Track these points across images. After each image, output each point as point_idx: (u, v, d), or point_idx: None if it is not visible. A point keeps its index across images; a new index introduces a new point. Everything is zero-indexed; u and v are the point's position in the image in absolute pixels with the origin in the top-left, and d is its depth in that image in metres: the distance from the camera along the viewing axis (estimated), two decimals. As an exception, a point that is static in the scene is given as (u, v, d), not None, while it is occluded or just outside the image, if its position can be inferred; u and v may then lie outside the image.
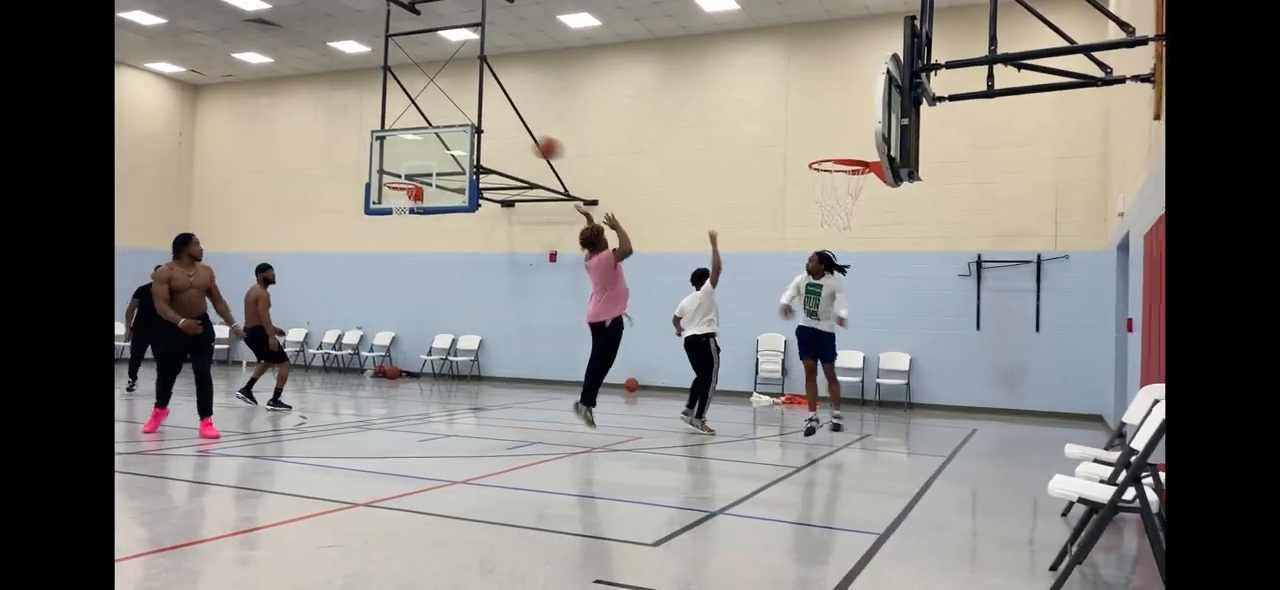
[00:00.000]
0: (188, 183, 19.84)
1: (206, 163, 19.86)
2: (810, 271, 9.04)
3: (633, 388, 15.19)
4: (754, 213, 14.84)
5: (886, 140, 6.20)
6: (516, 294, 16.41)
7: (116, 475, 5.89)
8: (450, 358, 16.68)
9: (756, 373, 14.55)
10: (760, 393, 14.20)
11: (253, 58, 17.61)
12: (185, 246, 7.75)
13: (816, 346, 8.90)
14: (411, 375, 16.94)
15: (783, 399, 13.85)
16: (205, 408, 7.67)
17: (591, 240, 8.81)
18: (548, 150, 11.85)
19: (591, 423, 8.70)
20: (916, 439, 10.25)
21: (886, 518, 5.31)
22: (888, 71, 6.29)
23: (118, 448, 6.96)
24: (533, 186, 14.94)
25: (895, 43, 6.94)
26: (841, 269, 9.20)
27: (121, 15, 15.30)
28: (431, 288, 16.99)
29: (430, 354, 16.94)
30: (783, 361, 14.36)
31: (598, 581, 3.84)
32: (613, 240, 8.73)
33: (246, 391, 10.64)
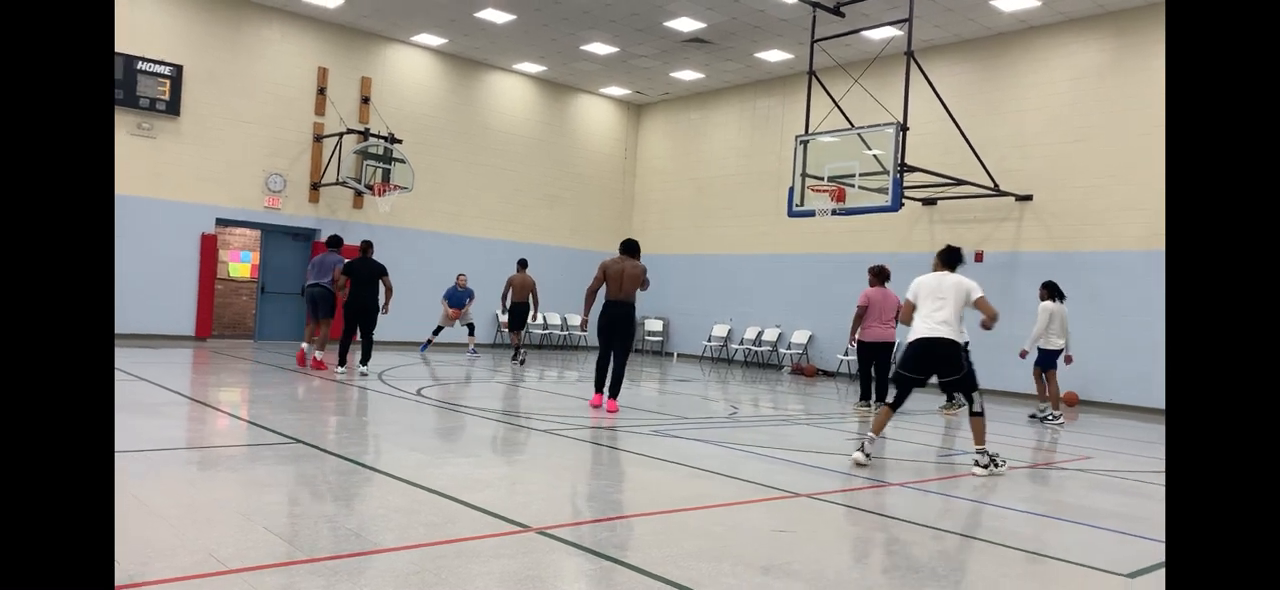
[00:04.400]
0: (630, 192, 22.19)
1: (646, 174, 22.03)
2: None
3: (1073, 402, 13.73)
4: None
5: None
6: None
7: (591, 446, 6.78)
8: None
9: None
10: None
11: (686, 75, 19.15)
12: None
13: None
14: (827, 374, 17.13)
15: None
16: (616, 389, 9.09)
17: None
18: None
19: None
20: None
21: None
22: None
23: (554, 424, 7.99)
24: (959, 182, 14.22)
25: None
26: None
27: (583, 48, 17.60)
28: (849, 288, 16.98)
29: (847, 354, 16.96)
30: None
31: (1067, 606, 3.53)
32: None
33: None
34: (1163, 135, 13.21)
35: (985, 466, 6.50)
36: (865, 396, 10.90)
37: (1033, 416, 10.89)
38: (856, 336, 10.76)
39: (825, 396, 12.95)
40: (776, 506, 5.06)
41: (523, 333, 15.45)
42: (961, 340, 6.66)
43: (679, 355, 20.20)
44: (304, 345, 12.35)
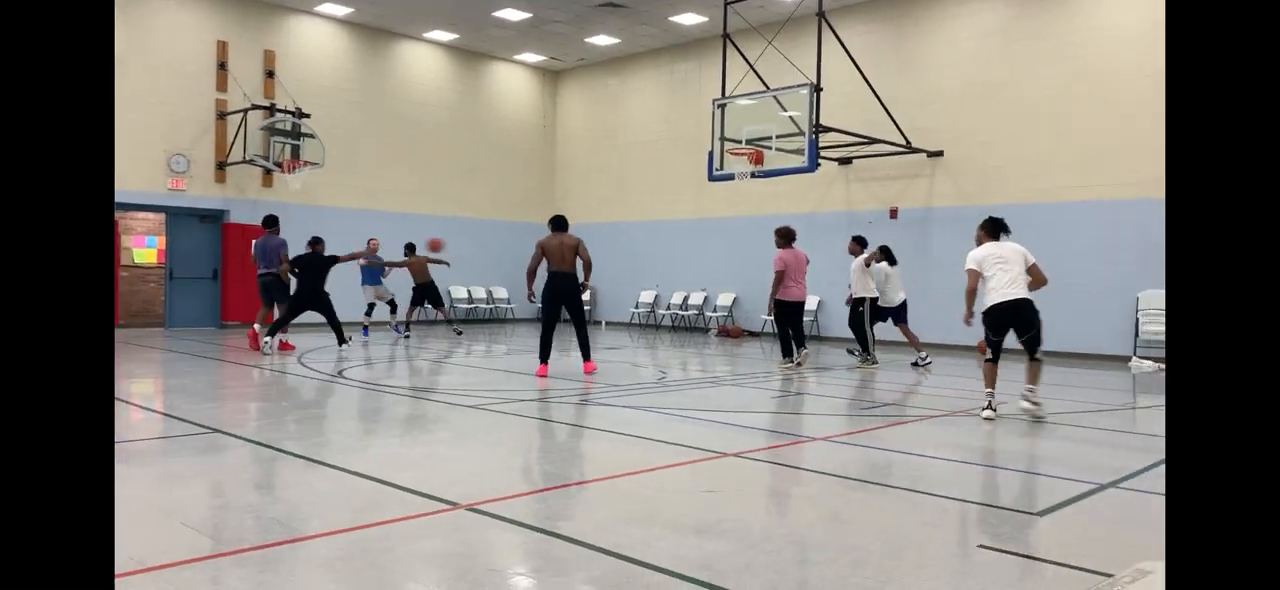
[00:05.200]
0: (551, 161, 22.00)
1: (566, 142, 21.86)
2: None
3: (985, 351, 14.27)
4: (1128, 155, 13.13)
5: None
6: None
7: (518, 419, 6.77)
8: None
9: (1136, 334, 12.96)
10: (1141, 357, 12.65)
11: (602, 40, 19.01)
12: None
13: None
14: (752, 335, 17.42)
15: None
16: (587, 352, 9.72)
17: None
18: (434, 247, 14.01)
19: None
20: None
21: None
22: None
23: (480, 397, 7.97)
24: (872, 141, 14.54)
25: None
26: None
27: (495, 14, 17.29)
28: (769, 249, 17.23)
29: (769, 315, 17.28)
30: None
31: (982, 546, 3.70)
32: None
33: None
34: (1065, 90, 13.68)
35: (1036, 404, 7.19)
36: (787, 353, 11.19)
37: (914, 364, 11.52)
38: (776, 297, 11.04)
39: (751, 357, 13.18)
40: (704, 467, 5.15)
41: (448, 308, 15.28)
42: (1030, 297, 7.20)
43: (607, 323, 20.25)
44: (256, 326, 12.37)
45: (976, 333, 7.76)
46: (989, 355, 7.36)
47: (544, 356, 9.63)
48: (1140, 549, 3.72)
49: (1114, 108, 13.31)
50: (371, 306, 15.30)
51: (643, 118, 20.07)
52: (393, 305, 15.55)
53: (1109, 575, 3.11)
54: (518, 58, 20.70)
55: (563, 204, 21.78)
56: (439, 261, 14.96)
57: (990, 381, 7.36)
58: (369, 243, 15.05)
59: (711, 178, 14.26)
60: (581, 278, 9.73)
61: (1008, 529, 4.01)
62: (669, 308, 19.24)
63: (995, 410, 7.23)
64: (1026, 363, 7.33)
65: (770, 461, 5.42)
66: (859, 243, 12.06)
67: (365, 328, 15.32)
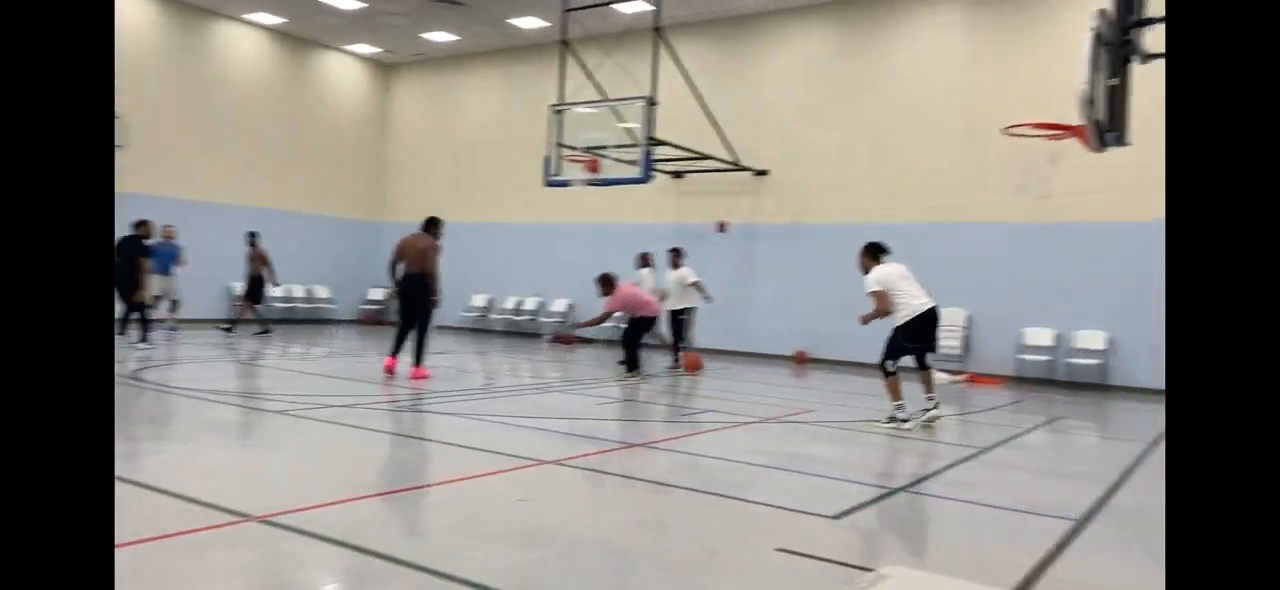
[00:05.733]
0: (382, 158, 21.26)
1: (399, 138, 21.20)
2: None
3: (802, 360, 15.02)
4: (935, 181, 14.21)
5: (1092, 102, 5.77)
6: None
7: (331, 426, 6.48)
8: (620, 325, 17.07)
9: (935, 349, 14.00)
10: (939, 369, 13.67)
11: (440, 36, 18.58)
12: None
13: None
14: (586, 342, 17.50)
15: (963, 377, 13.27)
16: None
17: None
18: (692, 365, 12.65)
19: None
20: (1113, 423, 9.58)
21: (1082, 504, 5.02)
22: (1095, 29, 5.84)
23: (330, 400, 7.63)
24: (703, 157, 14.98)
25: (1098, -3, 6.42)
26: None
27: (323, 0, 16.54)
28: (604, 257, 17.38)
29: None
30: (965, 336, 13.73)
31: (779, 549, 3.87)
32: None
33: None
34: (881, 119, 14.57)
35: (937, 406, 7.74)
36: (633, 367, 11.30)
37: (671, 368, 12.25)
38: (638, 313, 11.34)
39: (583, 364, 13.23)
40: (523, 476, 5.12)
41: (259, 306, 14.52)
42: None
43: (435, 327, 19.74)
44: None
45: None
46: (893, 370, 7.66)
47: (392, 351, 9.66)
48: (916, 549, 4.01)
49: (923, 137, 14.36)
50: (158, 299, 14.09)
51: (480, 118, 19.78)
52: (175, 303, 14.44)
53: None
54: (349, 48, 19.89)
55: (395, 201, 21.10)
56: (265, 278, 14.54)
57: (899, 393, 7.62)
58: (164, 230, 13.98)
59: (547, 183, 14.24)
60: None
61: (804, 533, 4.22)
62: (501, 313, 19.03)
63: (911, 418, 7.55)
64: (920, 373, 7.80)
65: (590, 469, 5.46)
66: (677, 254, 12.49)
67: (170, 324, 14.23)
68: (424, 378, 9.34)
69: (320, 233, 19.52)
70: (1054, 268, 13.26)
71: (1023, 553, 4.01)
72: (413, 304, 9.58)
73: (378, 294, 20.78)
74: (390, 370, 9.42)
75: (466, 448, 5.81)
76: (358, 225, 20.68)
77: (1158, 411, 10.40)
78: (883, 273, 7.76)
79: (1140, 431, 8.64)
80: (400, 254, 9.59)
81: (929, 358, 7.89)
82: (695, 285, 12.31)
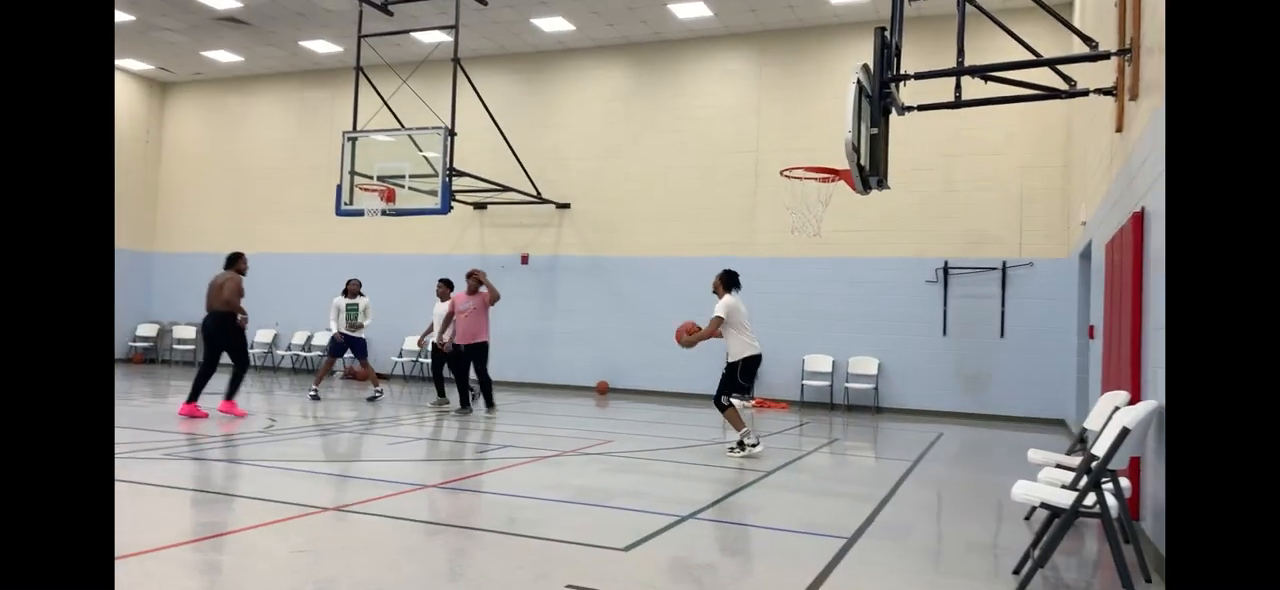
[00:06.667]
0: (154, 181, 19.56)
1: (174, 161, 19.60)
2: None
3: (604, 391, 15.22)
4: (725, 218, 14.93)
5: (856, 149, 6.29)
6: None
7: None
8: (421, 360, 16.60)
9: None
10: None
11: (222, 56, 17.42)
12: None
13: None
14: (382, 377, 16.81)
15: (753, 403, 13.94)
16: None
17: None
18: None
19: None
20: (884, 443, 10.39)
21: (855, 521, 5.39)
22: (858, 81, 6.39)
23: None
24: (505, 189, 14.92)
25: (865, 51, 7.05)
26: None
27: (87, 11, 15.07)
28: (403, 290, 16.87)
29: (401, 356, 16.87)
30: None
31: (569, 586, 3.87)
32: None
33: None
34: (673, 157, 15.15)
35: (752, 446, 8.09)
36: (465, 403, 11.25)
37: (370, 399, 12.30)
38: (460, 340, 11.10)
39: (379, 401, 12.70)
40: (298, 525, 4.82)
41: None
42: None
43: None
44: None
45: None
46: (729, 402, 8.04)
47: (191, 396, 9.48)
48: (700, 577, 4.14)
49: (713, 175, 15.06)
50: None
51: (267, 143, 18.66)
52: None
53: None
54: (117, 63, 18.19)
55: (168, 230, 19.47)
56: None
57: (742, 421, 8.12)
58: None
59: (340, 212, 13.65)
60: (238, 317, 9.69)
61: (597, 566, 4.25)
62: (289, 348, 17.94)
63: (759, 441, 8.20)
64: (743, 405, 8.38)
65: (375, 514, 5.22)
66: (447, 285, 12.06)
67: None
68: (238, 414, 9.46)
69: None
70: (831, 299, 14.28)
71: (801, 572, 4.25)
72: (216, 343, 9.61)
73: (148, 330, 19.02)
74: (189, 415, 9.26)
75: (234, 497, 5.40)
76: (124, 255, 18.86)
77: (923, 430, 11.42)
78: (732, 303, 8.09)
79: (907, 450, 9.42)
80: (208, 295, 9.70)
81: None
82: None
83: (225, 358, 9.63)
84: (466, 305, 11.13)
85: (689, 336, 8.25)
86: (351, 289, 12.71)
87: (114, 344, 11.93)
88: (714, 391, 8.24)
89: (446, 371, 11.71)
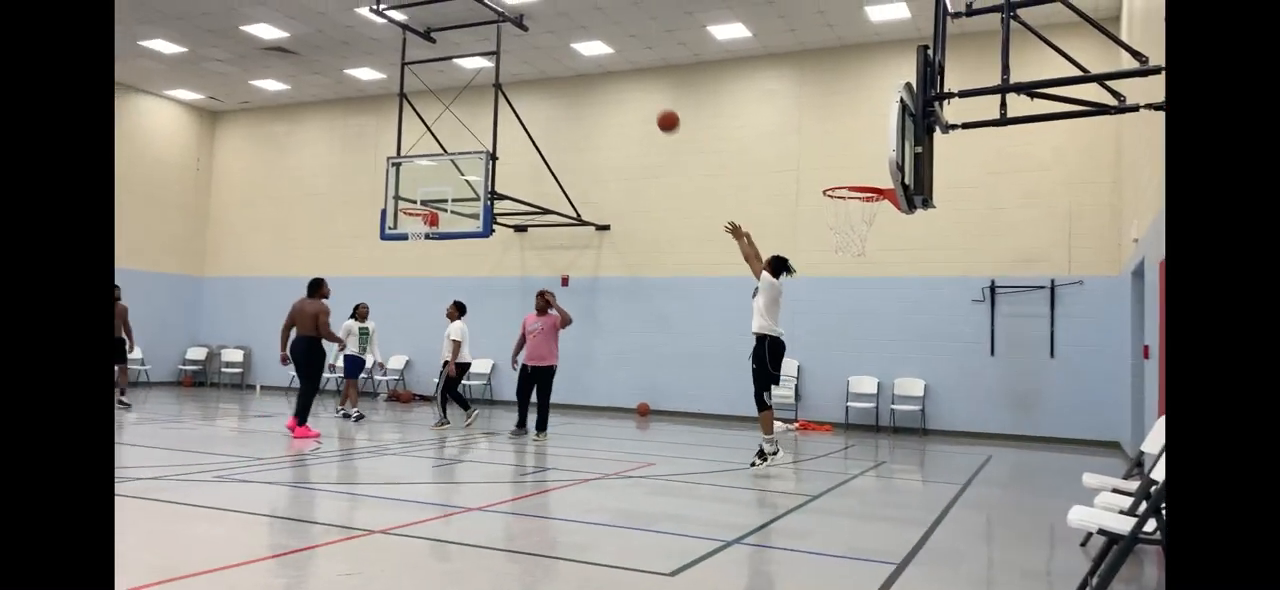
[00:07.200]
0: (204, 209, 20.04)
1: (223, 188, 20.06)
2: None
3: (645, 412, 15.18)
4: (765, 238, 14.77)
5: (900, 168, 6.22)
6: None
7: (141, 501, 5.93)
8: (465, 382, 16.69)
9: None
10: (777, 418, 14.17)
11: (270, 85, 17.83)
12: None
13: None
14: (425, 399, 16.97)
15: (796, 425, 13.80)
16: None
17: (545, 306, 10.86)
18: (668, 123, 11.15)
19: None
20: (932, 466, 10.20)
21: (903, 547, 5.29)
22: (901, 100, 6.32)
23: (136, 475, 7.00)
24: (546, 212, 15.02)
25: (907, 68, 6.98)
26: None
27: (143, 44, 15.54)
28: (444, 312, 17.02)
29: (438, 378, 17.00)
30: (796, 386, 14.31)
31: (615, 611, 3.84)
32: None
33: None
34: (714, 177, 15.16)
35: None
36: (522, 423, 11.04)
37: (345, 416, 12.42)
38: (529, 361, 10.83)
39: (421, 423, 12.81)
40: (347, 548, 4.85)
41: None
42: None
43: (262, 387, 18.63)
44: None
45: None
46: (769, 403, 8.39)
47: (300, 419, 10.01)
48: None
49: (754, 195, 15.00)
50: None
51: (313, 168, 19.03)
52: None
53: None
54: (169, 93, 18.73)
55: (217, 255, 19.91)
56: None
57: (772, 428, 8.52)
58: None
59: (384, 236, 13.86)
60: (328, 343, 10.28)
61: (641, 592, 4.21)
62: (333, 370, 18.17)
63: (780, 450, 8.60)
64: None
65: (421, 537, 5.25)
66: (459, 307, 12.04)
67: None
68: (311, 436, 9.83)
69: (135, 289, 18.06)
70: (877, 320, 14.11)
71: (847, 599, 4.17)
72: (300, 364, 10.10)
73: (197, 353, 19.43)
74: (291, 429, 9.98)
75: (284, 520, 5.46)
76: (175, 280, 19.34)
77: (972, 452, 11.20)
78: (778, 284, 8.48)
79: (956, 473, 9.24)
80: (292, 320, 10.17)
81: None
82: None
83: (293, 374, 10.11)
84: (535, 326, 10.74)
85: (745, 237, 8.67)
86: (361, 313, 12.90)
87: (114, 344, 12.23)
88: (753, 393, 8.43)
89: (461, 390, 11.98)
